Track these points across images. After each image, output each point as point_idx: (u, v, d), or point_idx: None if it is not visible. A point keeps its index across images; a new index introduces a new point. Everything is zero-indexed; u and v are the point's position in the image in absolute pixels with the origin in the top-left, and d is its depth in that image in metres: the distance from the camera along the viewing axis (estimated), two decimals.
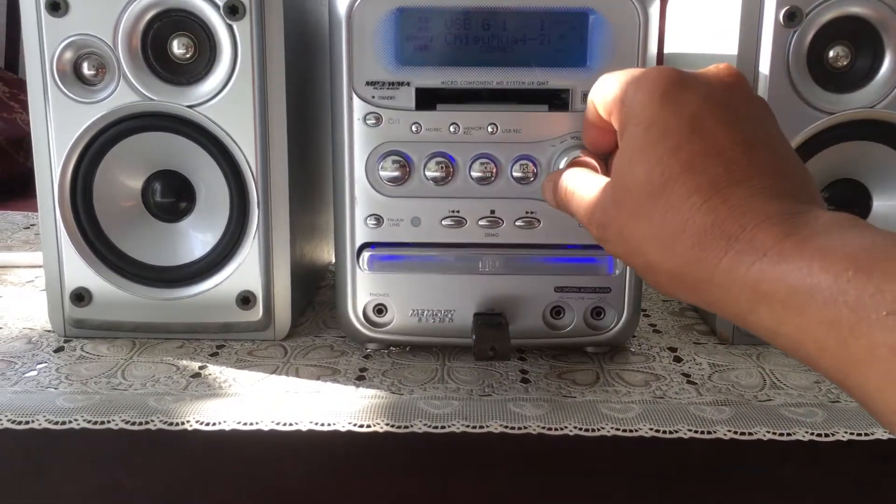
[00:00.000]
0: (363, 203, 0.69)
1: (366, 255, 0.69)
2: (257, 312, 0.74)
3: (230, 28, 0.69)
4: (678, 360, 0.72)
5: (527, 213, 0.69)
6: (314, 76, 0.82)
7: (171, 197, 0.73)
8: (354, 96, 0.67)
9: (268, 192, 0.73)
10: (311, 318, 0.81)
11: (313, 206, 0.85)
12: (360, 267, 0.69)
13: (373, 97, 0.67)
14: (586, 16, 0.66)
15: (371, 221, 0.69)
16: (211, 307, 0.73)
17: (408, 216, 0.68)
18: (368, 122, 0.67)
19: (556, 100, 0.66)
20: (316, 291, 0.90)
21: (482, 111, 0.66)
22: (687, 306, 0.86)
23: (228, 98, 0.69)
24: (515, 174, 0.68)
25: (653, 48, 0.67)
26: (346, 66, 0.67)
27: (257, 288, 0.73)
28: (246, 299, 0.73)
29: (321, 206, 0.88)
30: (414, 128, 0.67)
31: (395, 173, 0.68)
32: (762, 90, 0.70)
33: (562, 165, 0.65)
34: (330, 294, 0.88)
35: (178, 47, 0.70)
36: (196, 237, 0.73)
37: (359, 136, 0.68)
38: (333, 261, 0.73)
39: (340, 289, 0.71)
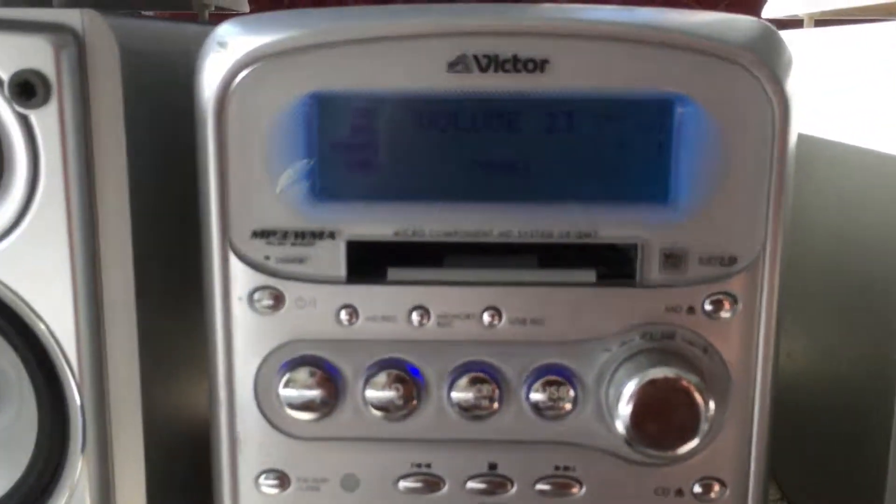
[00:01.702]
0: (253, 448, 0.38)
1: None
2: None
3: (24, 121, 0.39)
4: None
5: (557, 470, 0.37)
6: None
7: None
8: (232, 257, 0.36)
9: (103, 396, 0.43)
10: None
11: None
12: None
13: (266, 259, 0.36)
14: (670, 107, 0.35)
15: (268, 482, 0.38)
16: None
17: (335, 474, 0.38)
18: (259, 303, 0.36)
19: (613, 264, 0.37)
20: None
21: (473, 286, 0.37)
22: None
23: (24, 242, 0.41)
24: (535, 399, 0.37)
25: (790, 163, 0.36)
26: (217, 199, 0.35)
27: None
28: None
29: None
30: (344, 315, 0.37)
31: (311, 396, 0.37)
32: None
33: (628, 389, 0.35)
34: None
35: None
36: None
37: (243, 328, 0.37)
38: None
39: None
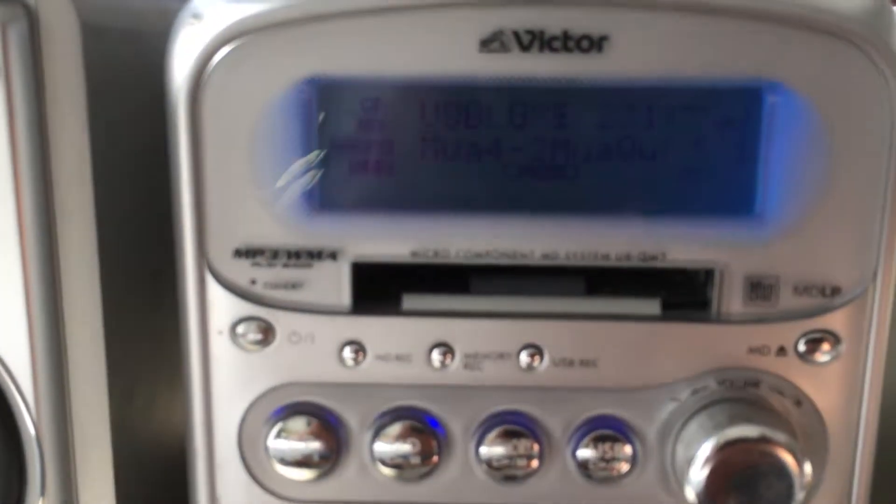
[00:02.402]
0: None
1: None
2: None
3: None
4: None
5: None
6: None
7: None
8: (210, 280, 0.29)
9: (66, 432, 0.37)
10: None
11: None
12: None
13: (252, 283, 0.30)
14: (758, 96, 0.28)
15: None
16: None
17: None
18: (244, 338, 0.30)
19: (682, 292, 0.32)
20: None
21: (507, 318, 0.30)
22: None
23: None
24: (583, 458, 0.31)
25: None
26: (191, 211, 0.29)
27: None
28: None
29: None
30: (349, 353, 0.31)
31: (307, 450, 0.31)
32: None
33: (703, 450, 0.29)
34: None
35: None
36: None
37: (225, 366, 0.31)
38: None
39: None
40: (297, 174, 0.29)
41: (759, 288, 0.29)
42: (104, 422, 0.38)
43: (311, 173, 0.29)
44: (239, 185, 0.29)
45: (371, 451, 0.31)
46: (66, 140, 0.35)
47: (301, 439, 0.31)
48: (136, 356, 0.40)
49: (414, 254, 0.30)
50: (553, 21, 0.28)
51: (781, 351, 0.30)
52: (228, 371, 0.31)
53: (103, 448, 0.38)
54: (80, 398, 0.37)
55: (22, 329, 0.36)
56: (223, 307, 0.30)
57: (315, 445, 0.31)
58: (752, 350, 0.30)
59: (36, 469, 0.38)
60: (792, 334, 0.30)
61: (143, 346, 0.41)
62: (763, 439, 0.28)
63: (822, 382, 0.30)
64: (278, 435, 0.31)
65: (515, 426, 0.30)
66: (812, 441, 0.30)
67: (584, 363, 0.30)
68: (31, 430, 0.37)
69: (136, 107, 0.39)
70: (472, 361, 0.30)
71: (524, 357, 0.30)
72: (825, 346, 0.30)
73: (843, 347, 0.30)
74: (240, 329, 0.30)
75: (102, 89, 0.35)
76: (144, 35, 0.40)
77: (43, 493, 0.38)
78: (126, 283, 0.38)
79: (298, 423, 0.31)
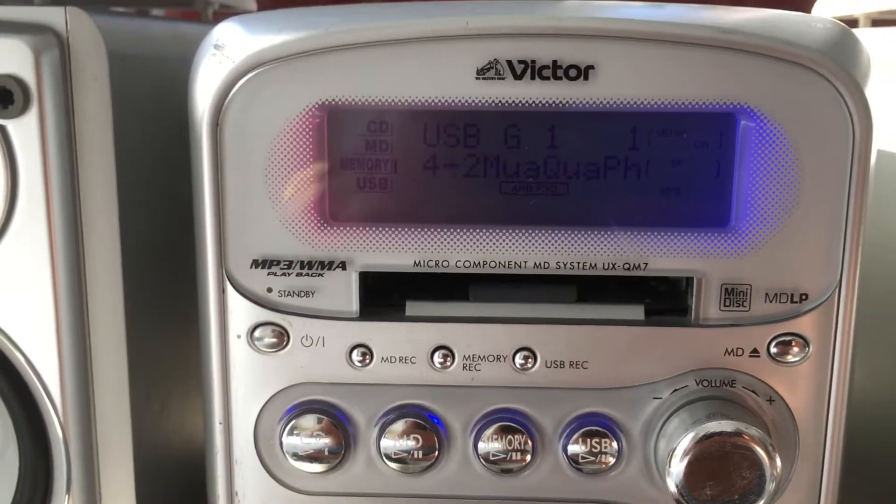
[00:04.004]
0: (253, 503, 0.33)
1: None
2: None
3: (1, 131, 0.35)
4: None
5: None
6: None
7: None
8: (230, 288, 0.31)
9: (90, 432, 0.38)
10: None
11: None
12: None
13: (269, 291, 0.32)
14: (733, 119, 0.30)
15: None
16: None
17: None
18: (261, 342, 0.32)
19: (664, 299, 0.33)
20: None
21: (503, 323, 0.32)
22: None
23: (0, 265, 0.37)
24: (573, 452, 0.33)
25: (867, 180, 0.31)
26: (212, 224, 0.31)
27: None
28: None
29: None
30: (357, 355, 0.32)
31: (318, 445, 0.32)
32: None
33: (683, 443, 0.30)
34: None
35: None
36: None
37: (242, 367, 0.33)
38: None
39: None
40: (308, 191, 0.31)
41: (733, 295, 0.31)
42: (126, 423, 0.39)
43: (323, 190, 0.32)
44: (256, 202, 0.31)
45: (377, 446, 0.33)
46: (94, 160, 0.36)
47: (312, 435, 0.32)
48: (154, 360, 0.42)
49: (417, 264, 0.32)
50: (544, 51, 0.30)
51: (755, 353, 0.31)
52: (246, 373, 0.33)
53: (125, 448, 0.39)
54: (104, 401, 0.39)
55: (51, 336, 0.37)
56: (241, 313, 0.32)
57: (325, 441, 0.32)
58: (727, 352, 0.31)
59: (63, 469, 0.39)
60: (764, 337, 0.31)
61: (160, 351, 0.43)
62: (738, 433, 0.30)
63: (793, 382, 0.32)
64: (291, 432, 0.33)
65: (511, 423, 0.32)
66: (784, 436, 0.32)
67: (574, 365, 0.32)
68: (59, 433, 0.38)
69: (156, 127, 0.41)
70: (470, 363, 0.32)
71: (519, 359, 0.32)
72: (795, 348, 0.31)
73: (811, 349, 0.31)
74: (257, 333, 0.32)
75: (126, 112, 0.37)
76: (163, 60, 0.42)
77: (68, 490, 0.39)
78: (147, 291, 0.40)
79: (310, 421, 0.32)
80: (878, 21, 0.55)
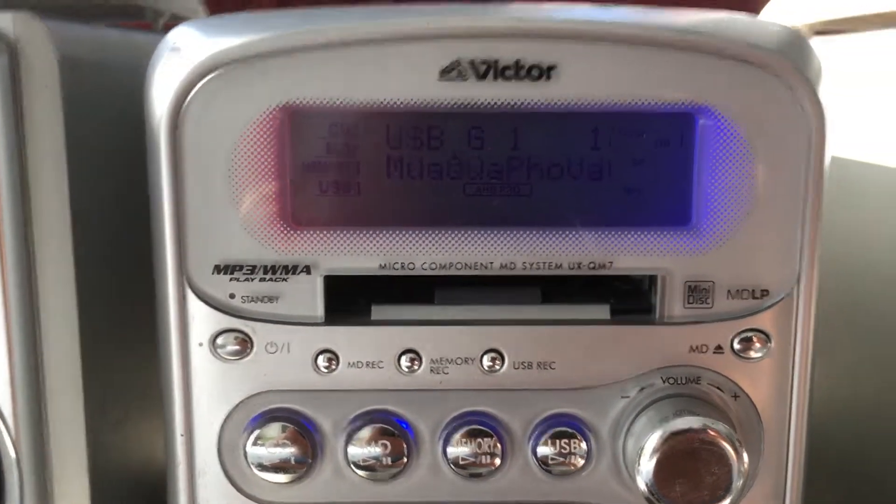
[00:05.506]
0: None
1: None
2: None
3: None
4: None
5: None
6: None
7: None
8: (191, 295, 0.31)
9: (43, 447, 0.37)
10: None
11: None
12: None
13: (231, 297, 0.31)
14: (692, 121, 0.31)
15: None
16: None
17: None
18: (223, 349, 0.31)
19: (628, 298, 0.33)
20: None
21: (470, 325, 0.32)
22: None
23: None
24: (543, 454, 0.32)
25: (823, 179, 0.31)
26: (172, 229, 0.30)
27: None
28: None
29: None
30: (322, 361, 0.32)
31: (284, 454, 0.32)
32: None
33: (651, 441, 0.30)
34: None
35: None
36: None
37: (204, 376, 0.32)
38: None
39: None
40: (271, 195, 0.31)
41: (696, 292, 0.31)
42: (80, 438, 0.37)
43: (285, 193, 0.31)
44: (217, 206, 0.30)
45: (345, 454, 0.32)
46: (45, 167, 0.35)
47: (278, 444, 0.31)
48: (110, 372, 0.41)
49: (382, 266, 0.31)
50: (506, 52, 0.29)
51: (719, 349, 0.32)
52: (208, 382, 0.32)
53: (80, 463, 0.37)
54: (57, 416, 0.37)
55: (2, 352, 0.36)
56: (203, 320, 0.31)
57: (291, 450, 0.32)
58: (692, 349, 0.32)
59: (15, 485, 0.37)
60: (727, 333, 0.31)
61: (117, 362, 0.41)
62: (705, 429, 0.30)
63: (756, 377, 0.32)
64: (255, 442, 0.32)
65: (479, 426, 0.32)
66: (749, 432, 0.32)
67: (542, 365, 0.32)
68: (10, 447, 0.37)
69: (110, 134, 0.40)
70: (437, 366, 0.32)
71: (486, 361, 0.32)
72: (757, 344, 0.32)
73: (772, 344, 0.32)
74: (219, 341, 0.31)
75: (79, 119, 0.36)
76: (116, 67, 0.41)
77: None
78: (102, 300, 0.39)
79: (275, 430, 0.32)
80: (821, 31, 0.56)
